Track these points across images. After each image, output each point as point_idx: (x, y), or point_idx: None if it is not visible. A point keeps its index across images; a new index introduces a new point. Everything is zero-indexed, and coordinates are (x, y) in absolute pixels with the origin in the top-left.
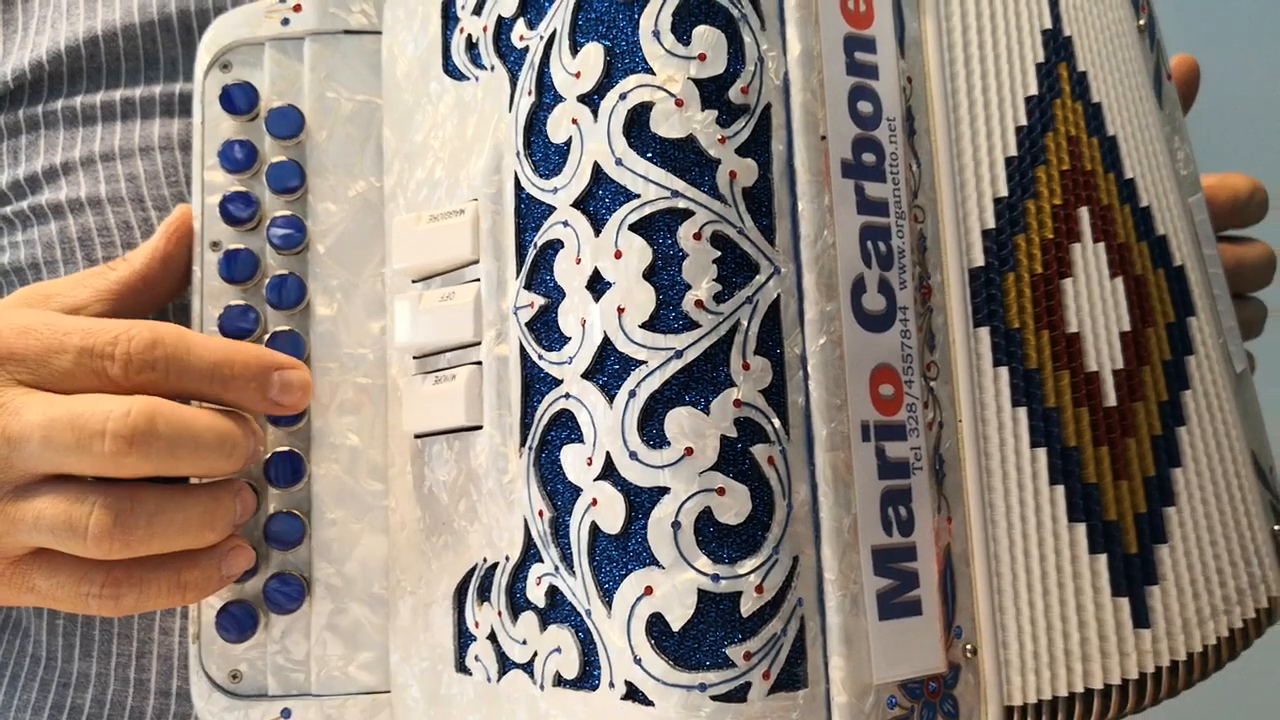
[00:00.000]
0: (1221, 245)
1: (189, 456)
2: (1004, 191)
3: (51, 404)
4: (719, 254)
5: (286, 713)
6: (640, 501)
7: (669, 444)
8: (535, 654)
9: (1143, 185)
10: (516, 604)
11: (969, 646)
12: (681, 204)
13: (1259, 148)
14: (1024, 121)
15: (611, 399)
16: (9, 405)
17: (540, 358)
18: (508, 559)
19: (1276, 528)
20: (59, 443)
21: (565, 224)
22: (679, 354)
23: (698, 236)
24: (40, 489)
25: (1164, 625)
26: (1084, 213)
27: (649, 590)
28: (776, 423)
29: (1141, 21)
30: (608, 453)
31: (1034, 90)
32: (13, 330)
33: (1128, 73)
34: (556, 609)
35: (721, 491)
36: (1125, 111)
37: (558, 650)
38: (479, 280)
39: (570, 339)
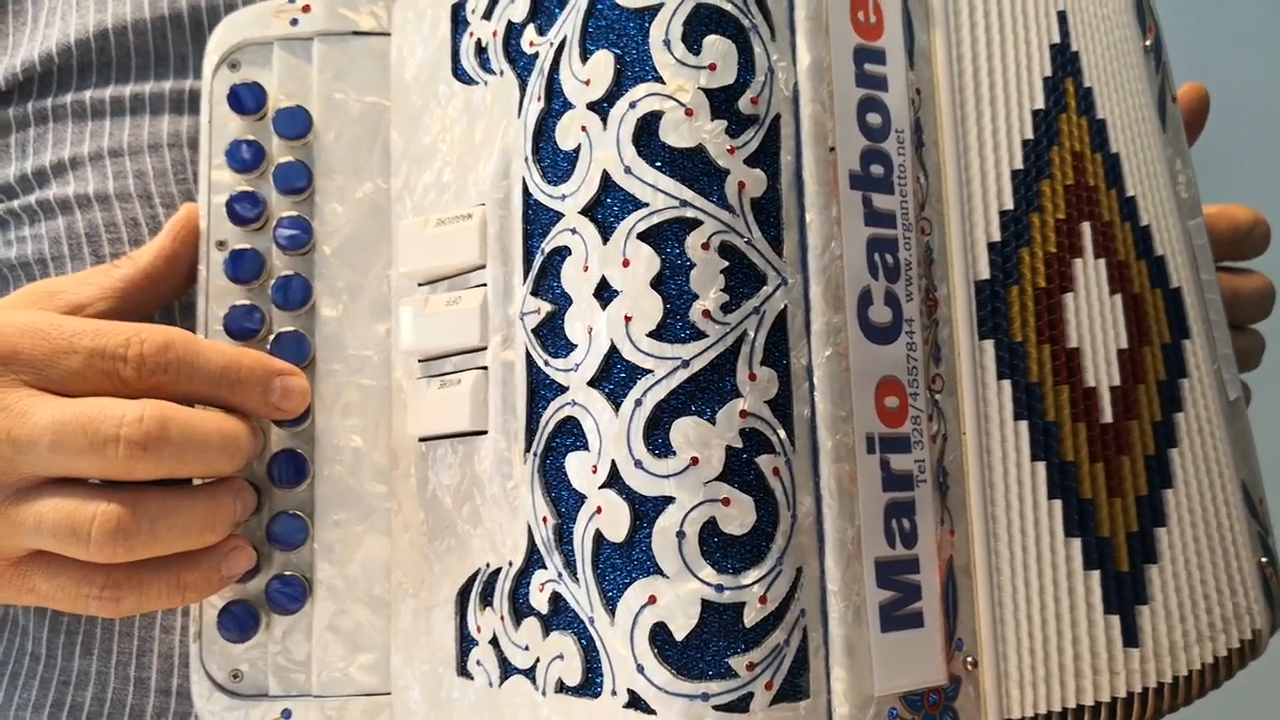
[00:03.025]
0: (1219, 275)
1: (196, 460)
2: (1010, 204)
3: (59, 407)
4: (726, 264)
5: (287, 713)
6: (645, 510)
7: (674, 453)
8: (537, 660)
9: (1143, 204)
10: (519, 610)
11: (970, 659)
12: (690, 213)
13: (1259, 154)
14: (1030, 135)
15: (617, 407)
16: (14, 407)
17: (546, 364)
18: (511, 564)
19: (1263, 559)
20: (70, 447)
21: (573, 231)
22: (685, 364)
23: (705, 246)
24: (42, 492)
25: (1152, 646)
26: (1086, 228)
27: (653, 599)
28: (782, 434)
29: (1148, 42)
30: (613, 461)
31: (1041, 104)
32: (16, 331)
33: (1132, 91)
34: (559, 615)
35: (726, 502)
36: (1129, 130)
37: (560, 657)
38: (485, 285)
39: (577, 346)
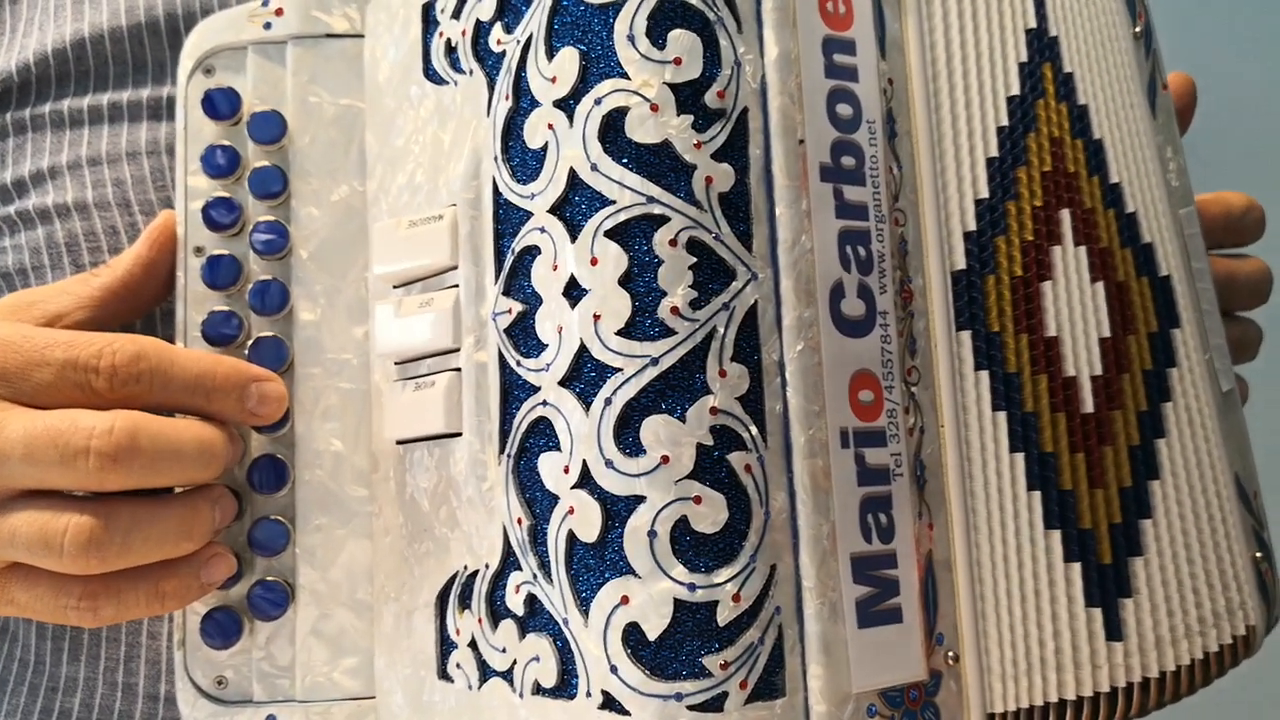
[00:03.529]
0: (1213, 259)
1: (170, 469)
2: (985, 193)
3: (31, 420)
4: (695, 260)
5: (272, 718)
6: (617, 510)
7: (645, 452)
8: (514, 662)
9: (1129, 191)
10: (496, 612)
11: (950, 654)
12: (657, 210)
13: (1259, 153)
14: (1005, 122)
15: (588, 407)
16: None
17: (518, 364)
18: (488, 566)
19: (1258, 554)
20: (41, 460)
21: (542, 230)
22: (655, 361)
23: (673, 243)
24: (15, 504)
25: (1136, 640)
26: (1065, 215)
27: (625, 599)
28: (754, 430)
29: (1137, 28)
30: (584, 461)
31: (1016, 90)
32: None
33: (1119, 77)
34: (535, 617)
35: (698, 500)
36: (1114, 116)
37: (536, 659)
38: (458, 286)
39: (547, 346)
